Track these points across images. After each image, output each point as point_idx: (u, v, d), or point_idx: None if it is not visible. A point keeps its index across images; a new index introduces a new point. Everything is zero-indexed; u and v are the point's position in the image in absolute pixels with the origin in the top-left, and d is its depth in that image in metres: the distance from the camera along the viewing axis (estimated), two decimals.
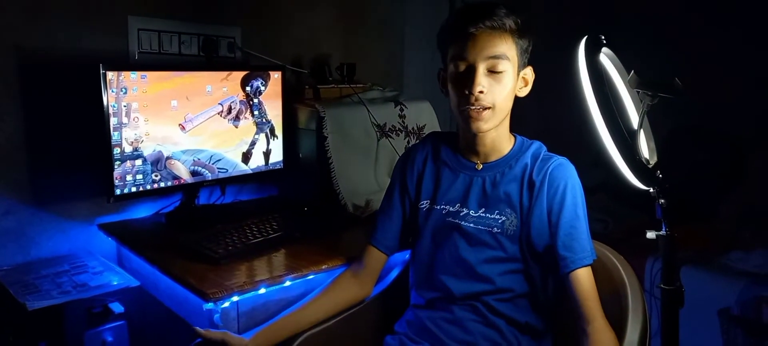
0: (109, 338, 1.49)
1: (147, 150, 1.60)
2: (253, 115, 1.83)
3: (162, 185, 1.65)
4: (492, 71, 1.13)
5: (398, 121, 2.03)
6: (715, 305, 1.94)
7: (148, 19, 1.78)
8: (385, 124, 1.97)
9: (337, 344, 1.29)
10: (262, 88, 1.83)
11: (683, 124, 2.38)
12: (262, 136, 1.87)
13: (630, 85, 1.15)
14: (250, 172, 1.86)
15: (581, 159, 1.28)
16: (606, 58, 1.20)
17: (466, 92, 1.13)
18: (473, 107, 1.13)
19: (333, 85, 2.07)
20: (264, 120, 1.86)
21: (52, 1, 1.62)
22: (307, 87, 2.04)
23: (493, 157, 1.23)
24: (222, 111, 1.75)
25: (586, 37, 1.15)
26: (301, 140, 1.92)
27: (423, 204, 1.27)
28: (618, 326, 1.12)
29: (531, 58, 1.20)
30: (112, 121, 1.52)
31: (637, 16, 2.60)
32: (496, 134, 1.20)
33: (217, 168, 1.78)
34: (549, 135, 1.35)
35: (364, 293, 1.34)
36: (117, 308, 1.52)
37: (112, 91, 1.50)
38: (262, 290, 1.33)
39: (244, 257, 1.44)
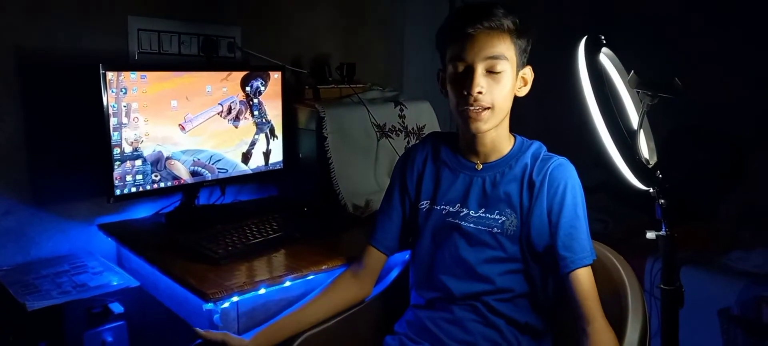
0: (109, 339, 1.49)
1: (147, 150, 1.60)
2: (253, 116, 1.83)
3: (162, 185, 1.65)
4: (490, 71, 1.13)
5: (398, 122, 2.03)
6: (715, 305, 1.94)
7: (148, 19, 1.78)
8: (385, 125, 1.97)
9: (337, 344, 1.29)
10: (262, 88, 1.83)
11: (683, 124, 2.38)
12: (262, 136, 1.87)
13: (630, 85, 1.15)
14: (250, 172, 1.86)
15: (581, 159, 1.28)
16: (606, 59, 1.20)
17: (465, 93, 1.13)
18: (472, 108, 1.13)
19: (333, 86, 2.06)
20: (264, 120, 1.86)
21: (52, 1, 1.62)
22: (307, 87, 2.04)
23: (493, 158, 1.23)
24: (222, 111, 1.75)
25: (586, 37, 1.15)
26: (301, 140, 1.92)
27: (423, 204, 1.27)
28: (618, 327, 1.12)
29: (530, 57, 1.20)
30: (112, 121, 1.52)
31: (637, 16, 2.60)
32: (496, 134, 1.20)
33: (217, 168, 1.78)
34: (549, 135, 1.35)
35: (363, 293, 1.34)
36: (117, 308, 1.52)
37: (112, 92, 1.50)
38: (262, 291, 1.33)
39: (244, 257, 1.44)
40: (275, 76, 1.86)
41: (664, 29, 2.53)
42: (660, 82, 1.09)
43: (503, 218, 1.18)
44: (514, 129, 1.25)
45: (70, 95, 1.64)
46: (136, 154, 1.58)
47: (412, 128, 2.05)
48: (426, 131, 2.07)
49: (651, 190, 1.11)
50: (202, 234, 1.51)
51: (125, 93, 1.53)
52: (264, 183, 2.08)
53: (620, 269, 1.20)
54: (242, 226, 1.57)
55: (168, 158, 1.65)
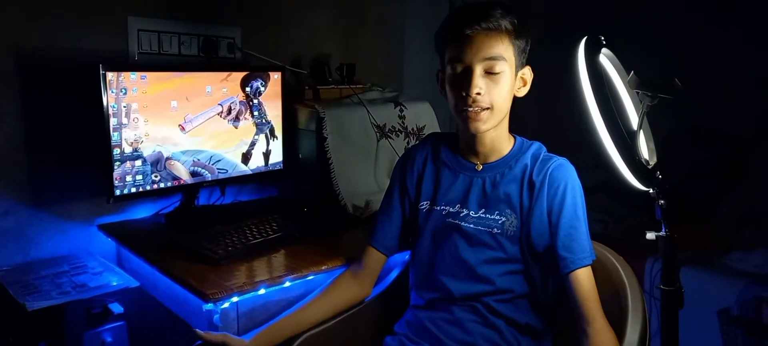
0: (109, 339, 1.49)
1: (147, 151, 1.60)
2: (252, 116, 1.83)
3: (162, 185, 1.65)
4: (489, 72, 1.13)
5: (398, 122, 2.03)
6: (715, 305, 1.94)
7: (148, 19, 1.78)
8: (384, 125, 1.97)
9: (337, 344, 1.29)
10: (262, 88, 1.83)
11: (683, 124, 2.38)
12: (262, 136, 1.87)
13: (630, 86, 1.15)
14: (250, 172, 1.86)
15: (581, 159, 1.28)
16: (606, 59, 1.20)
17: (464, 94, 1.13)
18: (471, 109, 1.13)
19: (333, 86, 2.07)
20: (264, 121, 1.86)
21: (52, 1, 1.62)
22: (306, 87, 2.04)
23: (493, 158, 1.22)
24: (222, 112, 1.75)
25: (586, 37, 1.15)
26: (301, 141, 1.92)
27: (423, 205, 1.27)
28: (618, 327, 1.12)
29: (530, 57, 1.20)
30: (112, 121, 1.52)
31: (637, 16, 2.60)
32: (496, 135, 1.20)
33: (217, 169, 1.78)
34: (549, 135, 1.35)
35: (363, 293, 1.34)
36: (116, 308, 1.52)
37: (112, 92, 1.50)
38: (262, 291, 1.33)
39: (244, 257, 1.44)
40: (275, 77, 1.86)
41: (664, 29, 2.53)
42: (660, 83, 1.09)
43: (503, 219, 1.18)
44: (514, 129, 1.25)
45: (70, 95, 1.64)
46: (136, 155, 1.58)
47: (412, 129, 2.05)
48: (426, 132, 2.07)
49: (651, 190, 1.11)
50: (202, 234, 1.51)
51: (125, 93, 1.53)
52: (264, 183, 2.08)
53: (620, 269, 1.20)
54: (242, 226, 1.57)
55: (168, 159, 1.65)
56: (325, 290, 1.31)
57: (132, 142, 1.57)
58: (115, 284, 1.46)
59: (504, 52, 1.13)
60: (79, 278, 1.49)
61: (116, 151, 1.54)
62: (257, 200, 2.06)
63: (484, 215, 1.20)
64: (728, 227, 2.29)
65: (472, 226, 1.20)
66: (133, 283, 1.48)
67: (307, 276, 1.39)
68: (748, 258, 2.09)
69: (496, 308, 1.17)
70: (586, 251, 1.14)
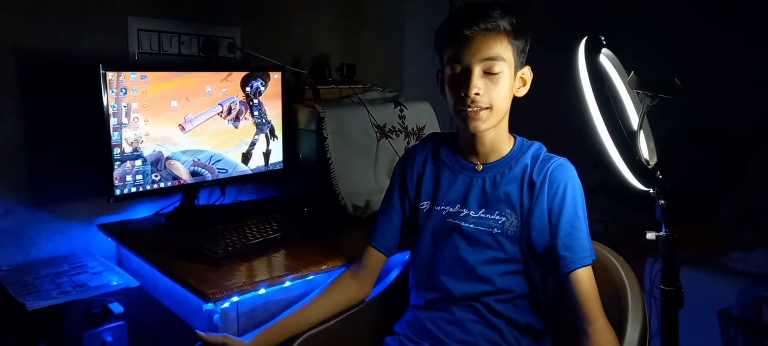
0: (109, 339, 1.49)
1: (147, 150, 1.60)
2: (253, 116, 1.83)
3: (162, 185, 1.65)
4: (488, 73, 1.13)
5: (398, 122, 2.03)
6: (715, 305, 1.94)
7: (148, 19, 1.78)
8: (384, 125, 1.97)
9: (337, 344, 1.29)
10: (262, 88, 1.83)
11: (683, 124, 2.38)
12: (262, 136, 1.87)
13: (630, 86, 1.15)
14: (250, 172, 1.86)
15: (581, 159, 1.28)
16: (606, 59, 1.20)
17: (462, 94, 1.13)
18: (470, 109, 1.14)
19: (333, 86, 2.07)
20: (264, 120, 1.86)
21: (52, 1, 1.62)
22: (307, 87, 2.04)
23: (493, 158, 1.23)
24: (222, 111, 1.75)
25: (586, 37, 1.15)
26: (301, 141, 1.92)
27: (423, 205, 1.27)
28: (618, 327, 1.12)
29: (530, 57, 1.20)
30: (112, 121, 1.52)
31: (637, 16, 2.60)
32: (495, 135, 1.20)
33: (217, 168, 1.78)
34: (549, 135, 1.35)
35: (363, 293, 1.34)
36: (116, 308, 1.53)
37: (112, 92, 1.50)
38: (262, 291, 1.33)
39: (244, 257, 1.44)
40: (275, 77, 1.86)
41: (664, 29, 2.53)
42: (660, 83, 1.09)
43: (503, 219, 1.18)
44: (514, 129, 1.25)
45: (70, 95, 1.64)
46: (136, 155, 1.58)
47: (412, 129, 2.05)
48: (426, 132, 2.07)
49: (651, 190, 1.11)
50: (202, 234, 1.51)
51: (125, 93, 1.53)
52: (264, 183, 2.08)
53: (620, 269, 1.20)
54: (242, 226, 1.57)
55: (168, 158, 1.65)
56: (325, 290, 1.31)
57: (132, 142, 1.57)
58: (115, 283, 1.46)
59: (503, 52, 1.13)
60: (79, 277, 1.49)
61: (116, 150, 1.54)
62: (257, 200, 2.06)
63: (484, 215, 1.20)
64: (728, 227, 2.29)
65: (472, 226, 1.20)
66: (133, 283, 1.48)
67: (307, 276, 1.39)
68: (748, 258, 2.09)
69: (496, 308, 1.17)
70: (587, 251, 1.14)
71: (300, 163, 1.93)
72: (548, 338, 1.23)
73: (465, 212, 1.21)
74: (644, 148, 1.16)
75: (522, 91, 1.20)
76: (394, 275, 1.43)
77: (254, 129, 1.84)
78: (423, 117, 2.10)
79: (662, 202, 1.10)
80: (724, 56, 2.43)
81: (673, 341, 1.12)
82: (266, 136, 1.88)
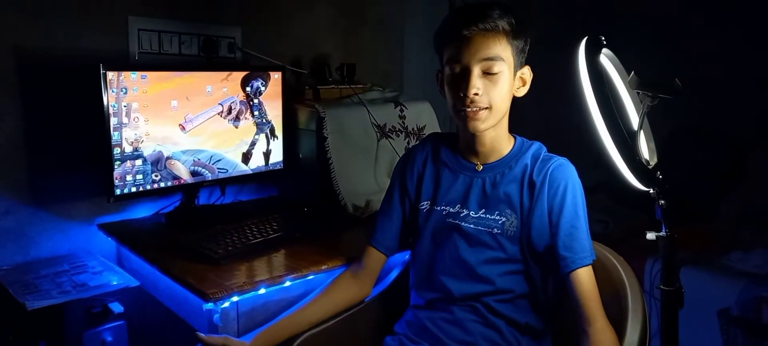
0: (109, 338, 1.49)
1: (147, 150, 1.60)
2: (253, 116, 1.83)
3: (162, 185, 1.65)
4: (487, 73, 1.13)
5: (398, 122, 2.03)
6: (715, 305, 1.94)
7: (148, 19, 1.78)
8: (385, 125, 1.97)
9: (337, 344, 1.29)
10: (262, 88, 1.83)
11: (683, 124, 2.38)
12: (262, 136, 1.87)
13: (630, 86, 1.15)
14: (250, 172, 1.86)
15: (581, 159, 1.28)
16: (606, 59, 1.20)
17: (461, 94, 1.13)
18: (469, 109, 1.14)
19: (333, 86, 2.07)
20: (264, 120, 1.86)
21: (52, 1, 1.62)
22: (307, 87, 2.04)
23: (493, 158, 1.23)
24: (222, 111, 1.75)
25: (586, 37, 1.15)
26: (301, 141, 1.92)
27: (423, 205, 1.27)
28: (618, 327, 1.12)
29: (530, 57, 1.20)
30: (113, 121, 1.52)
31: (637, 16, 2.60)
32: (495, 135, 1.20)
33: (217, 168, 1.78)
34: (549, 135, 1.35)
35: (363, 293, 1.34)
36: (116, 307, 1.52)
37: (113, 91, 1.50)
38: (262, 291, 1.33)
39: (244, 257, 1.44)
40: (275, 77, 1.86)
41: (664, 29, 2.53)
42: (660, 83, 1.09)
43: (503, 219, 1.18)
44: (514, 129, 1.25)
45: (70, 95, 1.64)
46: (136, 154, 1.58)
47: (412, 129, 2.05)
48: (426, 132, 2.07)
49: (651, 190, 1.11)
50: (202, 234, 1.51)
51: (125, 93, 1.53)
52: (264, 183, 2.08)
53: (620, 269, 1.20)
54: (242, 226, 1.57)
55: (168, 158, 1.65)
56: (325, 290, 1.31)
57: (132, 142, 1.57)
58: (115, 283, 1.46)
59: (502, 52, 1.13)
60: (79, 277, 1.49)
61: (116, 150, 1.54)
62: (257, 200, 2.06)
63: (484, 215, 1.20)
64: (728, 227, 2.29)
65: (472, 226, 1.20)
66: (133, 282, 1.48)
67: (307, 276, 1.39)
68: (748, 258, 2.08)
69: (496, 308, 1.17)
70: (587, 251, 1.14)
71: (300, 163, 1.94)
72: (548, 338, 1.23)
73: (465, 212, 1.21)
74: (644, 149, 1.16)
75: (522, 91, 1.20)
76: (394, 275, 1.43)
77: (254, 129, 1.84)
78: (423, 117, 2.10)
79: (662, 202, 1.10)
80: (724, 56, 2.42)
81: (673, 341, 1.12)
82: (266, 136, 1.88)
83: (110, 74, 1.49)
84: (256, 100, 1.83)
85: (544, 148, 1.23)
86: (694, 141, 2.53)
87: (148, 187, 1.63)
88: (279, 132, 1.90)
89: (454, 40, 1.14)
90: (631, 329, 1.12)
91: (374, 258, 1.32)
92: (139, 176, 1.60)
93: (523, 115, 1.35)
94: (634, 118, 1.19)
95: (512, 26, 1.13)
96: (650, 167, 1.12)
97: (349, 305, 1.32)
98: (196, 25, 1.88)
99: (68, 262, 1.60)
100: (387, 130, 1.97)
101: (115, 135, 1.53)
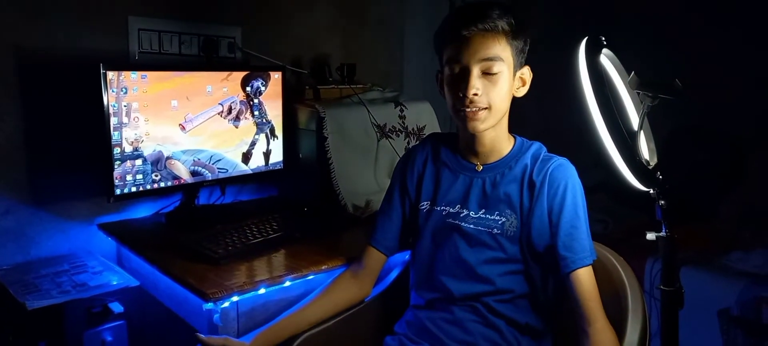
0: (109, 338, 1.49)
1: (147, 150, 1.60)
2: (253, 116, 1.83)
3: (162, 185, 1.65)
4: (486, 73, 1.13)
5: (398, 122, 2.03)
6: (715, 305, 1.94)
7: (149, 19, 1.78)
8: (385, 125, 1.97)
9: (337, 344, 1.29)
10: (263, 88, 1.83)
11: (683, 124, 2.38)
12: (262, 136, 1.87)
13: (630, 86, 1.15)
14: (250, 172, 1.86)
15: (581, 159, 1.28)
16: (606, 59, 1.20)
17: (461, 95, 1.13)
18: (468, 109, 1.14)
19: (333, 86, 2.07)
20: (264, 120, 1.86)
21: (52, 1, 1.62)
22: (307, 87, 2.04)
23: (493, 158, 1.23)
24: (222, 111, 1.75)
25: (586, 38, 1.15)
26: (301, 141, 1.92)
27: (423, 205, 1.27)
28: (618, 327, 1.12)
29: (530, 57, 1.20)
30: (113, 121, 1.52)
31: (637, 16, 2.60)
32: (495, 135, 1.20)
33: (217, 168, 1.78)
34: (549, 135, 1.35)
35: (363, 293, 1.34)
36: (116, 307, 1.52)
37: (113, 91, 1.50)
38: (262, 291, 1.33)
39: (244, 257, 1.44)
40: (275, 77, 1.86)
41: (664, 29, 2.53)
42: (660, 83, 1.09)
43: (503, 219, 1.18)
44: (514, 129, 1.25)
45: (70, 95, 1.64)
46: (136, 154, 1.58)
47: (413, 129, 2.05)
48: (426, 132, 2.07)
49: (651, 190, 1.11)
50: (202, 234, 1.51)
51: (126, 93, 1.53)
52: (264, 183, 2.08)
53: (620, 269, 1.20)
54: (242, 226, 1.57)
55: (168, 158, 1.65)
56: (325, 290, 1.31)
57: (132, 142, 1.57)
58: (115, 283, 1.46)
59: (501, 52, 1.13)
60: (79, 277, 1.49)
61: (116, 150, 1.54)
62: (257, 200, 2.06)
63: (484, 216, 1.20)
64: (728, 227, 2.29)
65: (472, 226, 1.20)
66: (133, 282, 1.48)
67: (307, 276, 1.39)
68: (748, 258, 2.08)
69: (496, 308, 1.17)
70: (587, 251, 1.14)
71: (300, 163, 1.94)
72: (548, 338, 1.23)
73: (465, 212, 1.21)
74: (644, 149, 1.16)
75: (521, 92, 1.20)
76: (394, 275, 1.43)
77: (254, 129, 1.84)
78: (423, 117, 2.10)
79: (662, 202, 1.10)
80: (724, 56, 2.42)
81: (673, 341, 1.12)
82: (266, 136, 1.88)
83: (110, 74, 1.49)
84: (256, 100, 1.83)
85: (544, 149, 1.23)
86: (694, 141, 2.53)
87: (148, 187, 1.63)
88: (279, 132, 1.90)
89: (454, 41, 1.14)
90: (631, 329, 1.12)
91: (374, 258, 1.32)
92: (139, 176, 1.60)
93: (523, 115, 1.35)
94: (634, 119, 1.19)
95: (512, 26, 1.13)
96: (650, 167, 1.12)
97: (349, 305, 1.32)
98: (196, 25, 1.88)
99: (68, 262, 1.60)
100: (387, 130, 1.97)
101: (115, 135, 1.53)
